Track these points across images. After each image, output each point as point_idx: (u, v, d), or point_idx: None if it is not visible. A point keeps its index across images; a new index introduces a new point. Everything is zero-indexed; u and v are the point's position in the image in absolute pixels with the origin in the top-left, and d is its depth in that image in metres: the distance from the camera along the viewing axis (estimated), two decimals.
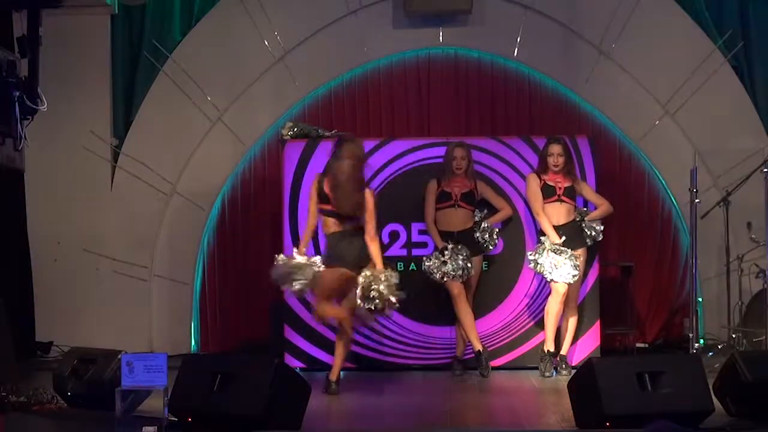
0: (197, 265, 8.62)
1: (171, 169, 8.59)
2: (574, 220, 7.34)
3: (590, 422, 5.10)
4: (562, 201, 7.29)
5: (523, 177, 7.72)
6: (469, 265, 7.13)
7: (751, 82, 8.55)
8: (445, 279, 7.11)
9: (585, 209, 7.44)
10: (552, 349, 7.27)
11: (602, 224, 7.40)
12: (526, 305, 7.66)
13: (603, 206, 7.46)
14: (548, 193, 7.28)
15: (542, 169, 7.34)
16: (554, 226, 7.25)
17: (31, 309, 8.40)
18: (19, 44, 6.21)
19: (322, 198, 6.51)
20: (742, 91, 8.48)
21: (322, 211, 6.55)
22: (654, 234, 8.54)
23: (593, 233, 7.35)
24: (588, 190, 7.48)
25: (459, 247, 7.14)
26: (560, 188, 7.28)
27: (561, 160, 7.27)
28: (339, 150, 6.55)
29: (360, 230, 6.49)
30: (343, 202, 6.44)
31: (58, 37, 7.71)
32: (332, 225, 6.53)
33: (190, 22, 8.72)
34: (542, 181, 7.30)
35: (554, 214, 7.29)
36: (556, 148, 7.27)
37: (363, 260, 6.46)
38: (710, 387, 5.23)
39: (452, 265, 7.08)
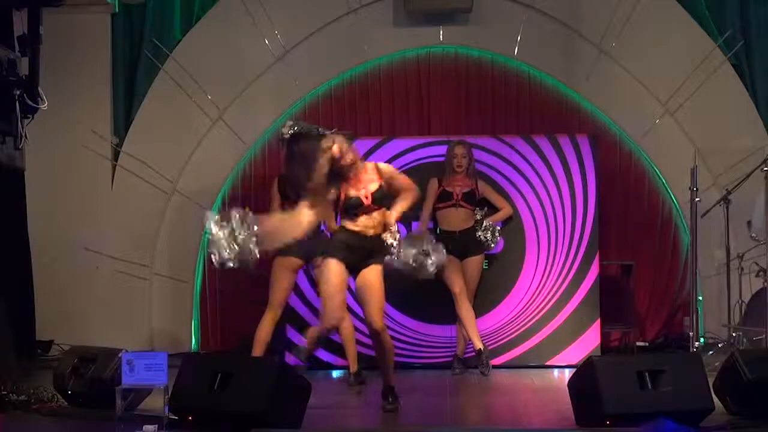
0: (198, 264, 8.62)
1: (171, 167, 8.60)
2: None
3: (590, 421, 5.10)
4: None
5: (524, 176, 7.74)
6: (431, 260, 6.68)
7: (752, 81, 8.55)
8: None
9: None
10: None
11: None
12: (527, 304, 7.67)
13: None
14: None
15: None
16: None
17: (31, 308, 8.38)
18: (20, 43, 6.19)
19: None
20: (742, 90, 8.48)
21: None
22: (654, 232, 8.53)
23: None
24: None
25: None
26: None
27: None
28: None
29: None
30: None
31: (59, 35, 7.69)
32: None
33: (191, 21, 8.73)
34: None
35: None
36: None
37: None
38: (710, 386, 5.23)
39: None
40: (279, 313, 6.87)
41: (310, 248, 6.78)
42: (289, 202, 6.79)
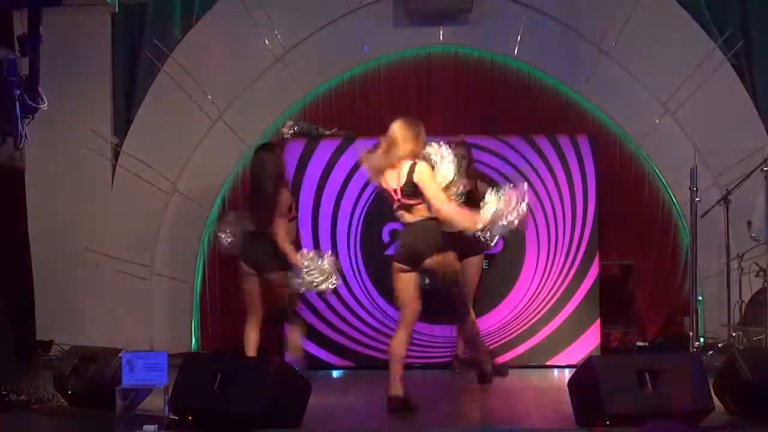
0: (198, 264, 8.62)
1: (171, 167, 8.60)
2: None
3: (590, 421, 5.10)
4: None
5: (524, 176, 7.73)
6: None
7: (752, 81, 8.55)
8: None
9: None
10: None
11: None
12: (527, 304, 7.67)
13: None
14: None
15: None
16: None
17: (31, 308, 8.39)
18: (20, 43, 6.21)
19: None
20: (742, 90, 8.48)
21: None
22: (654, 233, 8.53)
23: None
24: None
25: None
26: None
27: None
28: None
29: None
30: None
31: (59, 35, 7.69)
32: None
33: (191, 21, 8.72)
34: None
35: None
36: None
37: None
38: (710, 386, 5.23)
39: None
40: (260, 315, 6.76)
41: (257, 256, 6.65)
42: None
